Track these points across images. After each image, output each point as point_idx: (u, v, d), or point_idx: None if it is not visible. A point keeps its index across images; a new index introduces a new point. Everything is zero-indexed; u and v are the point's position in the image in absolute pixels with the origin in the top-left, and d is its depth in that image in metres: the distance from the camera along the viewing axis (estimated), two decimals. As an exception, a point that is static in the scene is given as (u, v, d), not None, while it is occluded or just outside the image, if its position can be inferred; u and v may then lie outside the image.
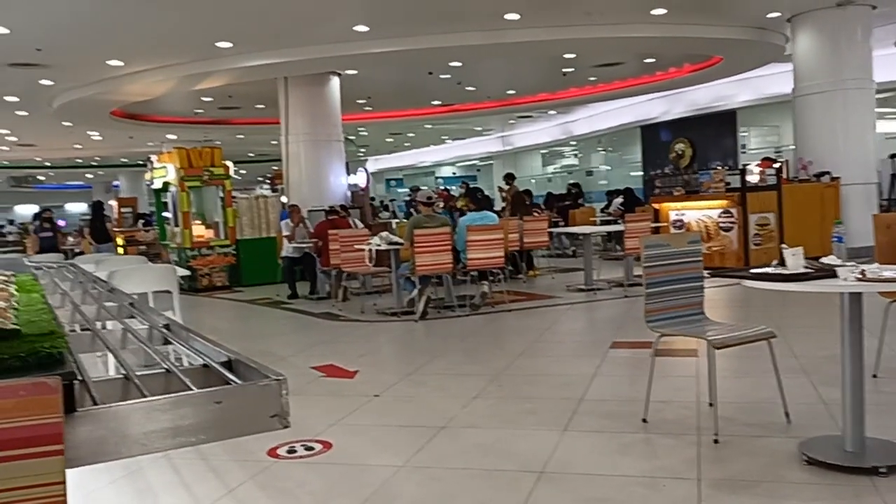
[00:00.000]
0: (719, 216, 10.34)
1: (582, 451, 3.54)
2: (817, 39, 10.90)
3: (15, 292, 2.38)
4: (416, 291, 7.94)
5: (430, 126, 22.13)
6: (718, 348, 3.53)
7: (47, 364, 1.31)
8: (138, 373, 1.52)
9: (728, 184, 10.42)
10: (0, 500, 0.98)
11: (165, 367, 1.57)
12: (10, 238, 22.85)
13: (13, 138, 19.27)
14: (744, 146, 18.84)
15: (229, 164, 12.72)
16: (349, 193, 13.95)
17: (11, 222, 21.44)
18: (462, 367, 5.73)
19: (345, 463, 3.58)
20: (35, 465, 0.99)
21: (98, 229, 14.14)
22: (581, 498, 3.00)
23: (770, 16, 11.05)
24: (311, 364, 5.79)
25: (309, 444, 3.81)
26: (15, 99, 13.77)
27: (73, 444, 1.12)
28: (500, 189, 14.20)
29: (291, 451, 3.71)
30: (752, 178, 10.47)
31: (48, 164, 26.10)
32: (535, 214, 11.91)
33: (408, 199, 20.26)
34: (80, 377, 1.32)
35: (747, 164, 11.38)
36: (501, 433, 3.91)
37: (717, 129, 18.68)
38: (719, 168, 11.48)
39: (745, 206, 10.16)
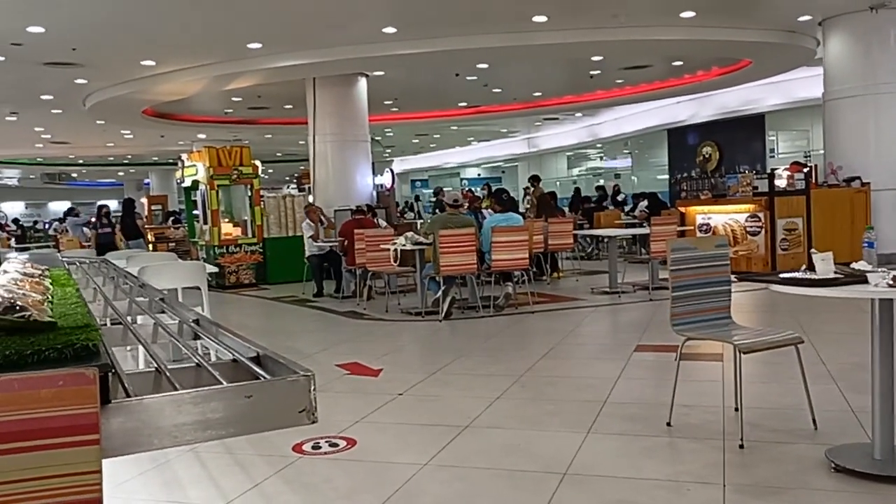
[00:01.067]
0: (746, 220, 10.24)
1: (606, 454, 3.53)
2: (849, 43, 10.74)
3: (50, 286, 2.43)
4: (440, 292, 7.97)
5: (455, 127, 22.16)
6: (745, 353, 3.50)
7: (83, 356, 1.34)
8: (169, 366, 1.55)
9: (756, 188, 10.33)
10: (38, 488, 1.00)
11: (196, 361, 1.60)
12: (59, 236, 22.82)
13: (48, 136, 19.61)
14: (772, 150, 18.64)
15: (257, 163, 12.86)
16: (375, 194, 14.01)
17: (61, 220, 21.47)
18: (485, 367, 5.73)
19: (369, 460, 3.60)
20: (72, 453, 1.02)
21: (129, 226, 14.33)
22: (605, 500, 3.00)
23: (801, 19, 10.92)
24: (336, 361, 5.83)
25: (333, 440, 3.84)
26: (50, 97, 14.01)
27: (107, 435, 1.14)
28: (526, 189, 14.20)
29: (316, 447, 3.75)
30: (781, 183, 10.37)
31: (81, 161, 26.50)
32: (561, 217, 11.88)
33: (431, 199, 20.48)
34: (114, 369, 1.35)
35: (776, 169, 11.26)
36: (525, 434, 3.91)
37: (745, 133, 18.49)
38: (747, 172, 11.37)
39: (772, 211, 10.06)
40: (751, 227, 10.19)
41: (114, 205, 33.20)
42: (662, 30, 10.95)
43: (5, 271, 2.63)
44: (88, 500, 1.03)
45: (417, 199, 21.89)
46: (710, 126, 19.11)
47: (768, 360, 4.61)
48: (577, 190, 19.45)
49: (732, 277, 3.98)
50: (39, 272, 2.78)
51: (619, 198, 18.06)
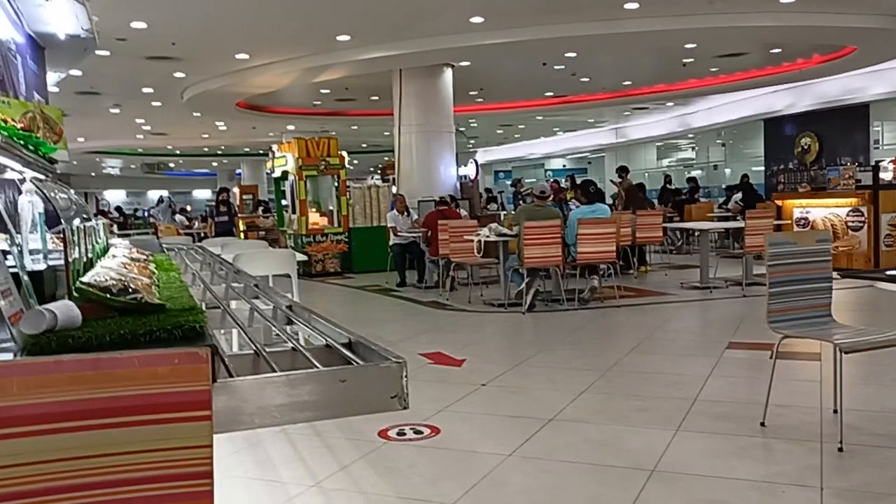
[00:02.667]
0: (848, 215, 9.78)
1: (695, 452, 3.45)
2: (966, 26, 10.08)
3: (155, 270, 2.55)
4: (524, 284, 7.93)
5: (541, 118, 21.94)
6: (847, 353, 3.34)
7: (190, 336, 1.40)
8: (266, 350, 1.60)
9: (858, 181, 9.86)
10: (156, 459, 1.06)
11: (291, 345, 1.64)
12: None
13: (147, 127, 20.54)
14: (876, 142, 17.70)
15: (344, 154, 13.09)
16: (458, 184, 14.04)
17: (175, 211, 21.38)
18: (570, 360, 5.68)
19: (453, 448, 3.63)
20: (187, 428, 1.07)
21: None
22: (695, 499, 2.93)
23: (912, 2, 10.30)
24: (419, 351, 5.89)
25: (418, 427, 3.89)
26: (150, 90, 14.65)
27: (214, 412, 1.19)
28: (613, 182, 13.97)
29: (401, 433, 3.80)
30: (886, 176, 9.86)
31: (178, 152, 27.64)
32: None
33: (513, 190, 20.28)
34: (217, 350, 1.40)
35: (880, 161, 10.70)
36: (611, 429, 3.86)
37: (847, 124, 17.60)
38: (849, 164, 10.85)
39: (876, 205, 9.57)
40: (852, 221, 9.72)
41: (208, 194, 34.50)
42: (760, 16, 10.52)
43: (114, 256, 2.77)
44: (201, 472, 1.08)
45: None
46: (810, 116, 18.28)
47: (870, 362, 4.39)
48: (668, 179, 18.92)
49: (834, 274, 3.81)
50: (144, 257, 2.91)
51: (696, 195, 17.24)
